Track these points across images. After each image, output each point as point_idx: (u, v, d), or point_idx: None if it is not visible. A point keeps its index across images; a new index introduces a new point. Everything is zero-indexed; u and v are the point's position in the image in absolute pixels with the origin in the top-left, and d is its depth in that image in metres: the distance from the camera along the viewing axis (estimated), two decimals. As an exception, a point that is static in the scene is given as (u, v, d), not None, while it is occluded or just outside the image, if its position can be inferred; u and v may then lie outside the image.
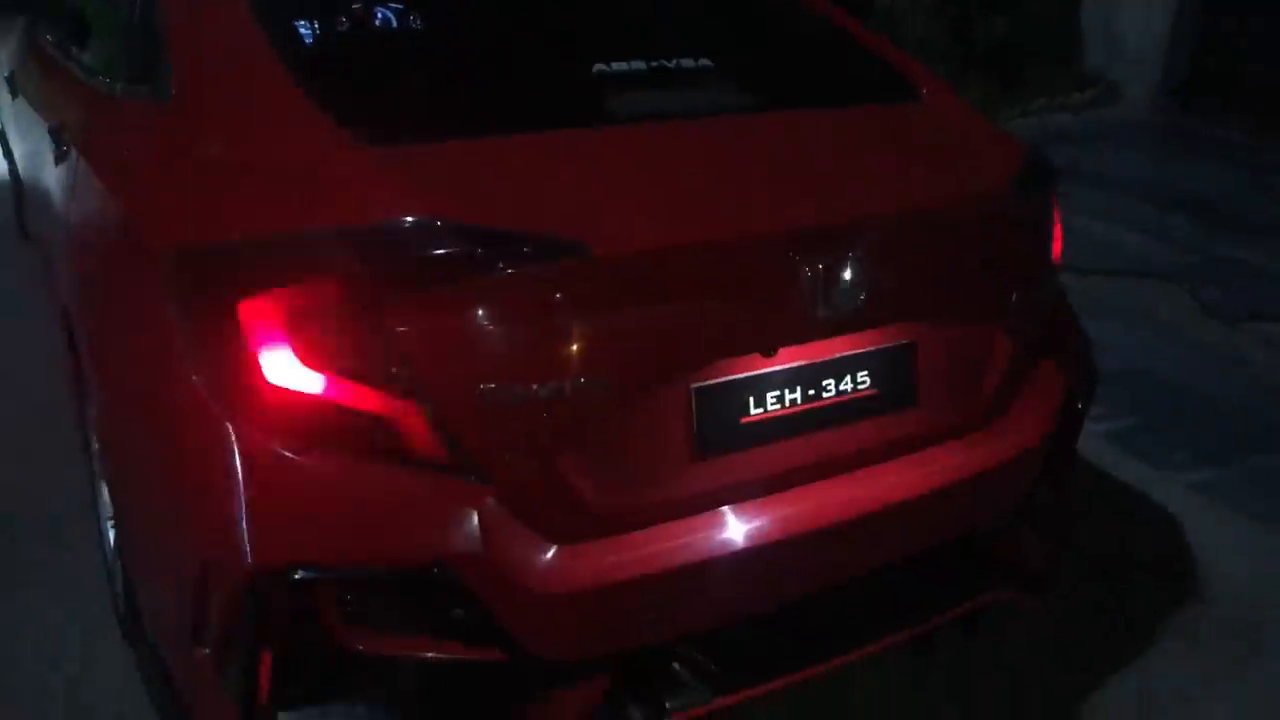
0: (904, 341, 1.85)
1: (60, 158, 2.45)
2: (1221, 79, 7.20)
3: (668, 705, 1.68)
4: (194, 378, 1.57)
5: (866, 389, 1.82)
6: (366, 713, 1.60)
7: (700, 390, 1.67)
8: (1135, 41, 7.44)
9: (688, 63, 2.11)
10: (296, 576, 1.49)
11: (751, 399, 1.72)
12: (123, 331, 1.88)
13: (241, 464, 1.51)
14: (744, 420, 1.72)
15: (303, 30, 1.95)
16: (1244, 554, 2.78)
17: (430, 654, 1.58)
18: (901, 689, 2.26)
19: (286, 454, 1.51)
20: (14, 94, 3.72)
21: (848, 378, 1.80)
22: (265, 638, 1.53)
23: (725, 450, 1.71)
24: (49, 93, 3.06)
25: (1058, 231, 2.13)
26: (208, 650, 1.60)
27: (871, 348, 1.82)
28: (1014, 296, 1.98)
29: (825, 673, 1.83)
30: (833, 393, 1.79)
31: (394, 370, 1.49)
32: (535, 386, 1.54)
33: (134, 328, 1.81)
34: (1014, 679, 2.31)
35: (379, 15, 2.07)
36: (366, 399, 1.51)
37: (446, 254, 1.50)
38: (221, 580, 1.54)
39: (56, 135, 2.57)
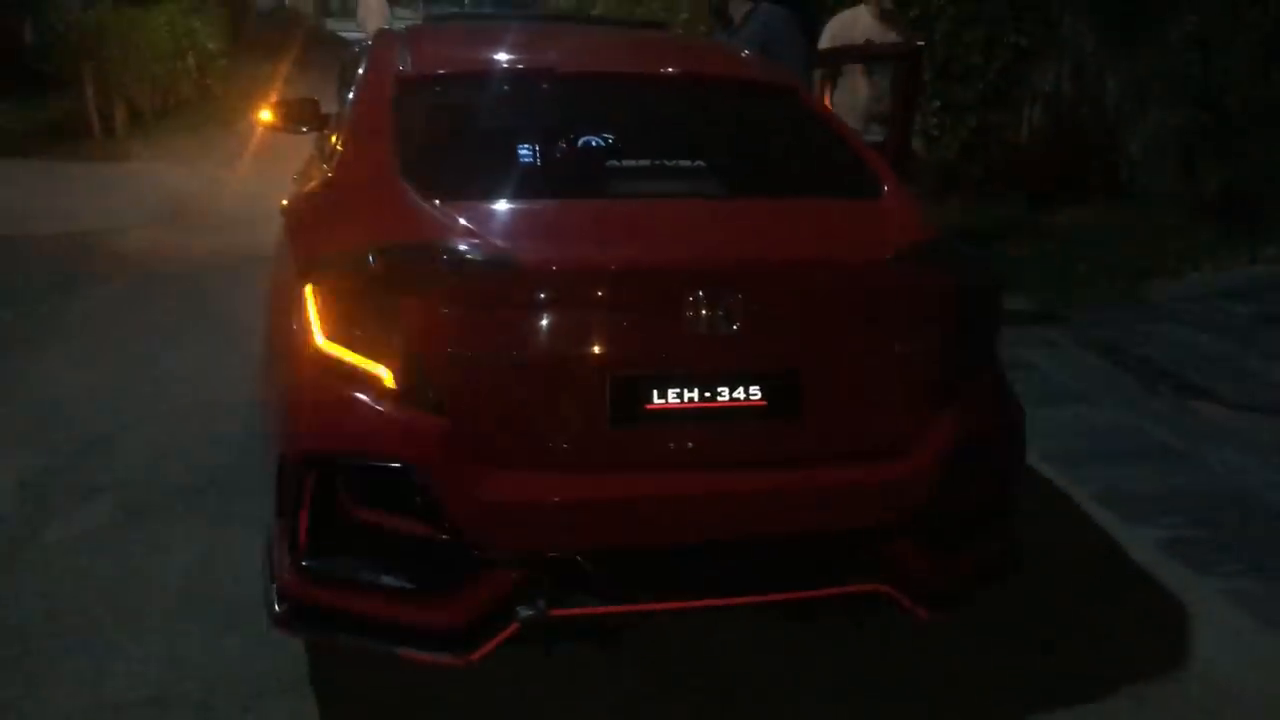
0: (790, 368, 2.41)
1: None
2: None
3: (553, 601, 2.26)
4: (294, 326, 2.39)
5: (757, 399, 2.38)
6: (360, 565, 2.31)
7: (615, 379, 2.32)
8: (1386, 193, 7.15)
9: (685, 162, 2.83)
10: (321, 465, 2.28)
11: (655, 391, 2.33)
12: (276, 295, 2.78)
13: (299, 390, 2.36)
14: (648, 407, 2.33)
15: (407, 136, 2.77)
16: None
17: (403, 529, 2.28)
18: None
19: (324, 386, 2.30)
20: None
21: (740, 388, 2.37)
22: (303, 505, 2.31)
23: (631, 426, 2.34)
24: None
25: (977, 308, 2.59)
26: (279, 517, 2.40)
27: (761, 368, 2.38)
28: (896, 349, 2.47)
29: (689, 610, 2.37)
30: (725, 397, 2.37)
31: (389, 339, 2.26)
32: (487, 359, 2.27)
33: (280, 293, 2.68)
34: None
35: (450, 134, 3.02)
36: (375, 356, 2.27)
37: (428, 264, 2.29)
38: (283, 466, 2.35)
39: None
